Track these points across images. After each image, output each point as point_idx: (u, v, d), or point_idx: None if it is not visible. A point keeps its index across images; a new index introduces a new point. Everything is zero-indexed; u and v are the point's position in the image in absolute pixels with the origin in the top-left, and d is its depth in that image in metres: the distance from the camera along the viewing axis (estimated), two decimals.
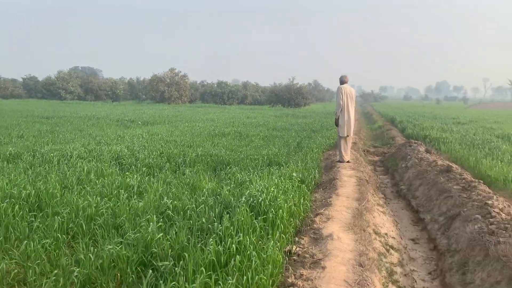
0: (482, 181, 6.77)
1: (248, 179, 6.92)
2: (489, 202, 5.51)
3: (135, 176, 7.00)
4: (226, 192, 5.96)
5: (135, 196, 5.83)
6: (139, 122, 19.14)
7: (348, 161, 9.83)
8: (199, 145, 11.07)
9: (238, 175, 7.17)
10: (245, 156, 9.60)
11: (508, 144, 12.45)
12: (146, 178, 7.00)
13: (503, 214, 5.04)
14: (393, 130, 20.52)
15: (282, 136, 14.79)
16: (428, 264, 5.29)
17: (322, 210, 5.55)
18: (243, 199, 5.37)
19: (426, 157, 10.01)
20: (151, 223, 4.53)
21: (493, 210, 5.17)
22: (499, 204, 5.46)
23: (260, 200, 5.26)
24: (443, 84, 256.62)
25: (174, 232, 4.38)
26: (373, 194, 7.43)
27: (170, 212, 5.11)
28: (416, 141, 12.61)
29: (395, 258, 5.07)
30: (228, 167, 8.36)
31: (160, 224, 4.62)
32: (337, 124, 9.84)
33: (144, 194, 5.94)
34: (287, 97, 44.66)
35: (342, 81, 9.86)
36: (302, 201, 5.73)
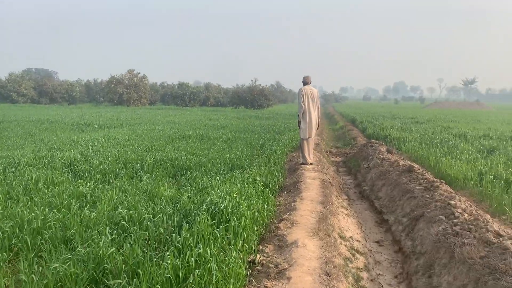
0: (443, 181, 6.82)
1: (210, 185, 6.65)
2: (452, 202, 5.52)
3: (89, 184, 6.56)
4: (186, 199, 5.66)
5: (87, 206, 5.42)
6: (95, 126, 18.37)
7: (311, 163, 9.75)
8: (158, 150, 10.66)
9: (199, 180, 6.88)
10: (207, 160, 9.32)
11: (465, 143, 12.80)
12: (100, 186, 6.57)
13: (466, 215, 5.04)
14: (354, 131, 20.79)
15: (245, 138, 14.58)
16: (394, 267, 5.22)
17: (286, 215, 5.36)
18: (204, 206, 5.10)
19: (387, 157, 10.09)
20: (103, 236, 4.18)
21: (456, 211, 5.16)
22: (461, 204, 5.47)
23: (222, 208, 5.01)
24: (400, 84, 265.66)
25: (128, 245, 4.05)
26: (337, 196, 7.35)
27: (125, 223, 4.76)
28: (377, 141, 12.74)
29: (361, 263, 4.95)
30: (189, 172, 8.05)
31: (113, 236, 4.28)
32: (300, 126, 9.73)
33: (98, 204, 5.54)
34: (250, 98, 44.55)
35: (304, 82, 9.72)
36: (266, 206, 5.52)
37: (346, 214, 6.69)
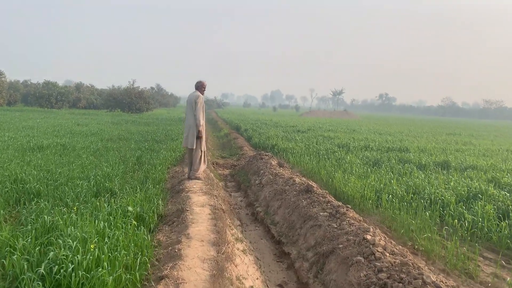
0: (349, 206, 6.05)
1: (61, 222, 4.82)
2: (368, 237, 4.66)
3: None
4: (18, 254, 3.82)
5: None
6: None
7: (197, 178, 8.42)
8: None
9: (46, 216, 4.97)
10: (66, 180, 7.31)
11: (351, 155, 12.71)
12: None
13: (389, 255, 4.18)
14: (240, 139, 19.98)
15: (119, 148, 12.56)
16: None
17: (168, 269, 3.89)
18: (43, 269, 3.38)
19: (280, 172, 9.21)
20: None
21: (377, 250, 4.28)
22: (380, 240, 4.64)
23: (70, 271, 3.35)
24: (277, 93, 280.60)
25: None
26: (230, 226, 6.09)
27: None
28: (267, 153, 11.91)
29: None
30: (36, 200, 6.04)
31: None
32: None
33: None
34: (127, 101, 41.22)
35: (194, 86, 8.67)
36: (140, 258, 3.98)
37: (242, 250, 5.46)
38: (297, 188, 7.49)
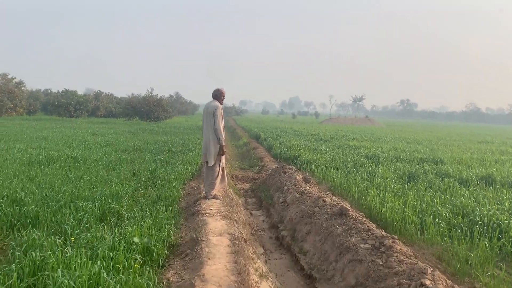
0: (395, 237, 5.07)
1: (52, 260, 4.00)
2: (427, 283, 3.69)
3: None
4: None
5: None
6: None
7: (215, 197, 7.58)
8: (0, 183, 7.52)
9: (34, 252, 4.15)
10: (69, 200, 6.55)
11: (383, 168, 11.65)
12: None
13: None
14: (260, 149, 19.10)
15: (133, 160, 11.84)
16: None
17: None
18: None
19: (307, 190, 8.27)
20: None
21: None
22: (440, 285, 3.67)
23: None
24: (295, 99, 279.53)
25: None
26: (253, 259, 5.19)
27: None
28: (290, 167, 10.98)
29: None
30: (32, 226, 5.29)
31: None
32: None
33: None
34: (146, 109, 40.88)
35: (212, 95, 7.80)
36: None
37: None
38: (328, 210, 6.54)
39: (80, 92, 48.91)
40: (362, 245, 5.03)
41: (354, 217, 6.00)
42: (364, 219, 5.83)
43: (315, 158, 13.53)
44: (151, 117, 41.09)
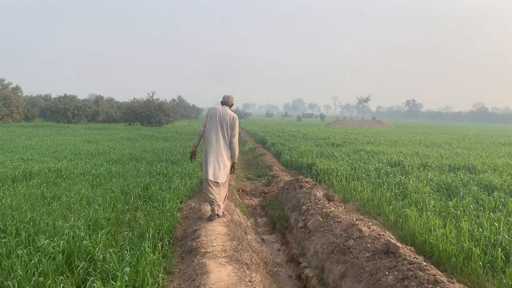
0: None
1: None
2: None
3: None
4: None
5: None
6: None
7: (217, 215, 6.26)
8: None
9: None
10: (26, 236, 5.00)
11: (414, 179, 10.02)
12: None
13: None
14: (267, 155, 17.54)
15: (126, 173, 10.30)
16: None
17: None
18: None
19: (333, 212, 6.68)
20: None
21: None
22: None
23: None
24: (299, 101, 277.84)
25: None
26: None
27: None
28: (307, 179, 9.39)
29: None
30: None
31: None
32: (191, 157, 6.90)
33: None
34: (146, 114, 39.40)
35: (221, 101, 6.79)
36: None
37: None
38: (369, 246, 4.95)
39: (84, 97, 47.59)
40: None
41: (407, 258, 4.41)
42: (423, 263, 4.24)
43: (333, 167, 11.92)
44: (152, 122, 39.62)
